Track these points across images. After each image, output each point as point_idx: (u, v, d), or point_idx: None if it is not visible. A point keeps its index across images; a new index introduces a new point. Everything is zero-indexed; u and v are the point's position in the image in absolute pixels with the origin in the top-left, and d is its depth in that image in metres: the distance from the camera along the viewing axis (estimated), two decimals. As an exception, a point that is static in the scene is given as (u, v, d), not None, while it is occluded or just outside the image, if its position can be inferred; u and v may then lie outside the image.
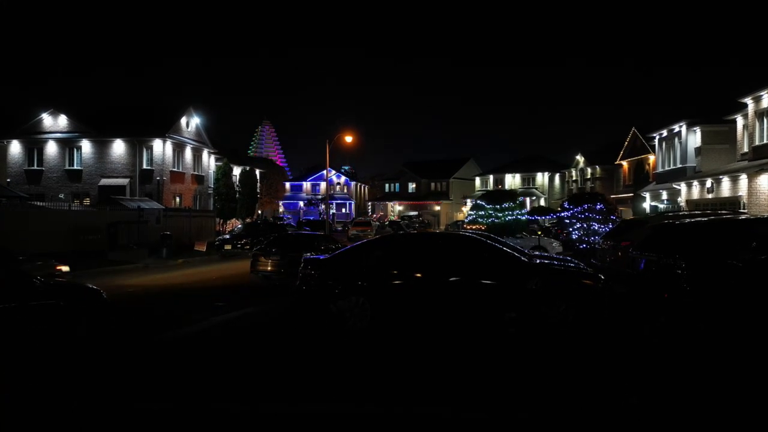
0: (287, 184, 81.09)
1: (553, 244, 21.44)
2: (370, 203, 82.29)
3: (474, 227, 19.49)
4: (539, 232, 21.21)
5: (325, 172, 57.61)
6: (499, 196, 19.28)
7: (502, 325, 8.61)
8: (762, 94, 21.62)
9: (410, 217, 71.29)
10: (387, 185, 79.49)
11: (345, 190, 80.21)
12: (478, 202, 19.45)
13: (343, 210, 78.48)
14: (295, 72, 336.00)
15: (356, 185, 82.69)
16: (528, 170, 63.90)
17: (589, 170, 51.34)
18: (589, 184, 51.12)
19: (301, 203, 78.55)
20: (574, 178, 54.74)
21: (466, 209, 70.16)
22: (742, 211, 12.48)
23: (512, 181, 64.51)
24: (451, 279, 8.62)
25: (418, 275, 8.75)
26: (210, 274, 18.57)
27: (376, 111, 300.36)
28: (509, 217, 18.66)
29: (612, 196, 47.27)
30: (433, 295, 8.62)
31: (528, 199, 61.47)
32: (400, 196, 77.36)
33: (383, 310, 8.77)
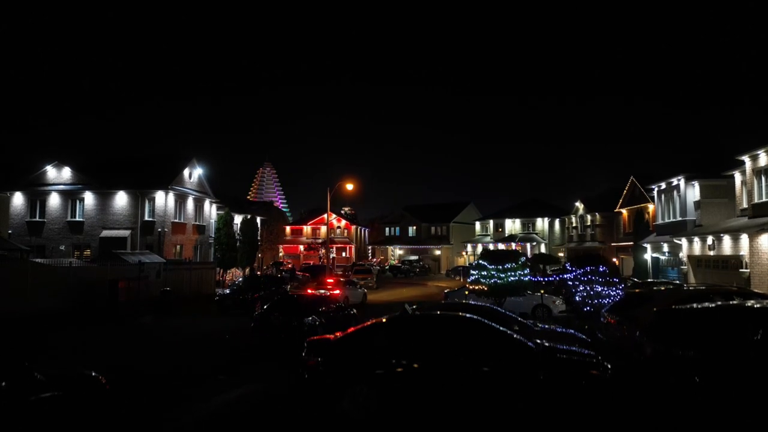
0: (287, 228, 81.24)
1: (556, 303, 21.33)
2: (370, 247, 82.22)
3: (477, 287, 19.42)
4: (542, 291, 21.11)
5: (325, 216, 57.90)
6: (501, 256, 19.26)
7: (513, 416, 8.44)
8: (759, 153, 21.89)
9: (411, 261, 71.18)
10: (387, 229, 79.62)
11: (345, 234, 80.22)
12: (480, 262, 19.41)
13: (344, 254, 78.30)
14: (295, 111, 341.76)
15: (356, 229, 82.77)
16: (528, 215, 64.04)
17: (588, 217, 51.51)
18: (589, 231, 51.24)
19: (302, 247, 78.45)
20: (574, 225, 54.87)
21: (466, 253, 70.13)
22: (752, 290, 12.43)
23: (512, 226, 64.61)
24: (459, 367, 8.50)
25: (424, 364, 8.63)
26: (211, 334, 18.36)
27: (375, 151, 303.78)
28: (512, 278, 18.61)
29: (612, 244, 47.33)
30: (442, 385, 8.48)
31: (528, 245, 61.44)
32: (401, 240, 77.38)
33: (390, 400, 8.61)
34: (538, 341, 9.57)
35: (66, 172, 35.40)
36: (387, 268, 67.42)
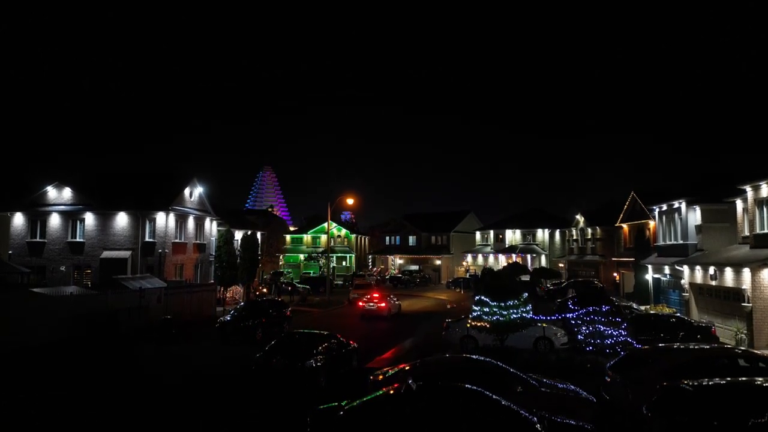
0: (287, 237, 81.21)
1: (558, 335, 21.31)
2: (370, 256, 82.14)
3: (479, 324, 19.39)
4: (543, 323, 21.08)
5: (326, 225, 57.93)
6: (502, 292, 19.19)
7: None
8: (761, 183, 21.87)
9: (411, 271, 71.19)
10: (387, 238, 79.56)
11: (345, 243, 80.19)
12: (482, 298, 19.36)
13: (344, 263, 78.28)
14: (299, 122, 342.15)
15: (357, 237, 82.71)
16: (528, 226, 63.93)
17: (589, 230, 51.51)
18: (589, 244, 51.23)
19: (302, 256, 78.44)
20: (574, 237, 54.87)
21: (466, 263, 70.13)
22: (757, 353, 12.41)
23: (513, 236, 64.59)
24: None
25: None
26: (212, 368, 18.34)
27: (376, 158, 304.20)
28: (514, 315, 18.58)
29: (613, 259, 47.30)
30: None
31: (529, 256, 61.43)
32: (401, 249, 77.32)
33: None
34: (542, 414, 9.56)
35: (67, 193, 35.34)
36: (387, 278, 67.43)
